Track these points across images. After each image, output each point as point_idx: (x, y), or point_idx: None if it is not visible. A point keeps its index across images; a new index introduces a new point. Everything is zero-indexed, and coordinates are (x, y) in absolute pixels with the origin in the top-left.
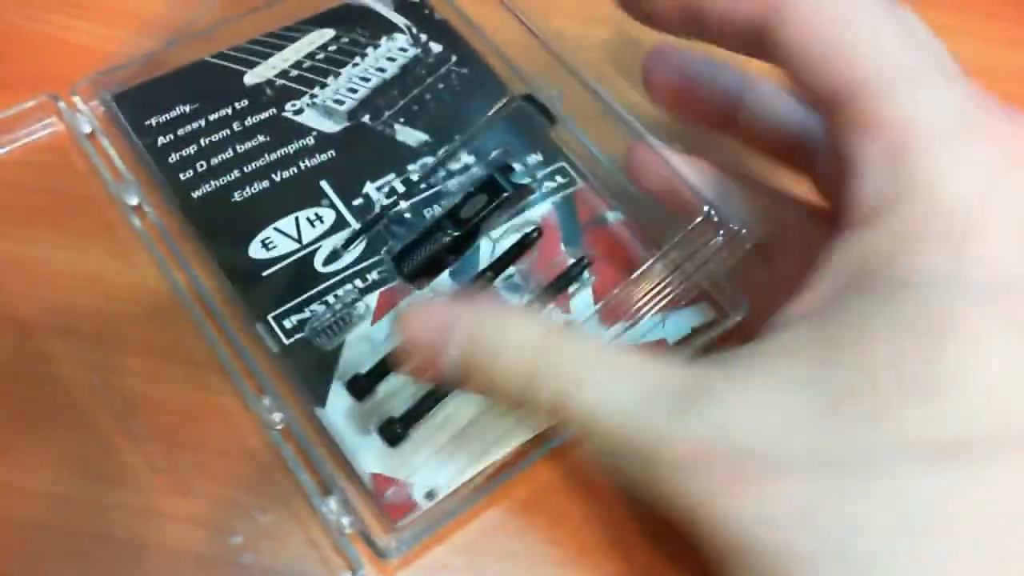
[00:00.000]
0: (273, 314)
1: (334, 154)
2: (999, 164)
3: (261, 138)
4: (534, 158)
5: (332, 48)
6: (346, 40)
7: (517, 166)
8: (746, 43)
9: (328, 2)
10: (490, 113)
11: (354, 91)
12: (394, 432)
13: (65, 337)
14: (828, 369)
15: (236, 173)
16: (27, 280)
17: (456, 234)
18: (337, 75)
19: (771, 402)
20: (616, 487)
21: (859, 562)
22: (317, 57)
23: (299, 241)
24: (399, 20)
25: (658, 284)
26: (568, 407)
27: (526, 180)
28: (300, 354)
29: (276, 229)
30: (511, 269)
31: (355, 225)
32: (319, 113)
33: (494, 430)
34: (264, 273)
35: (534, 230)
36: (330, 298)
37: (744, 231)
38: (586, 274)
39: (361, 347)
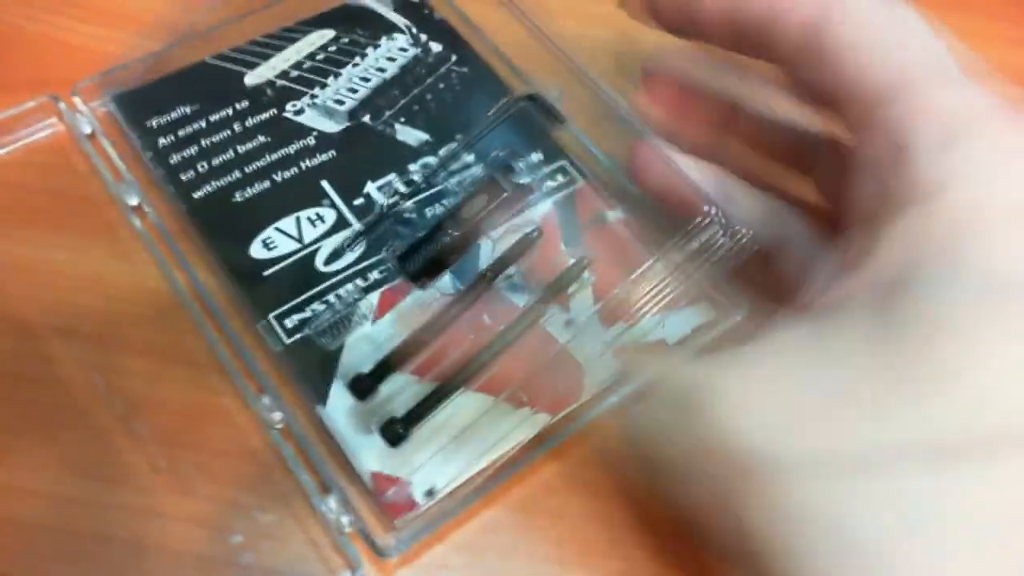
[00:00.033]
0: (274, 313)
1: (335, 154)
2: (1009, 161)
3: (262, 138)
4: (535, 157)
5: (332, 48)
6: (346, 40)
7: (518, 165)
8: (788, 50)
9: (328, 2)
10: (495, 113)
11: (354, 91)
12: (395, 432)
13: (66, 338)
14: (829, 368)
15: (237, 173)
16: (27, 281)
17: (457, 234)
18: (337, 75)
19: (773, 401)
20: (617, 485)
21: (859, 562)
22: (317, 57)
23: (300, 241)
24: (399, 20)
25: (658, 284)
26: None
27: (527, 180)
28: (301, 353)
29: (277, 229)
30: (511, 269)
31: (356, 225)
32: (320, 113)
33: (495, 430)
34: (265, 273)
35: (534, 230)
36: (331, 297)
37: (747, 232)
38: (586, 274)
39: (362, 347)
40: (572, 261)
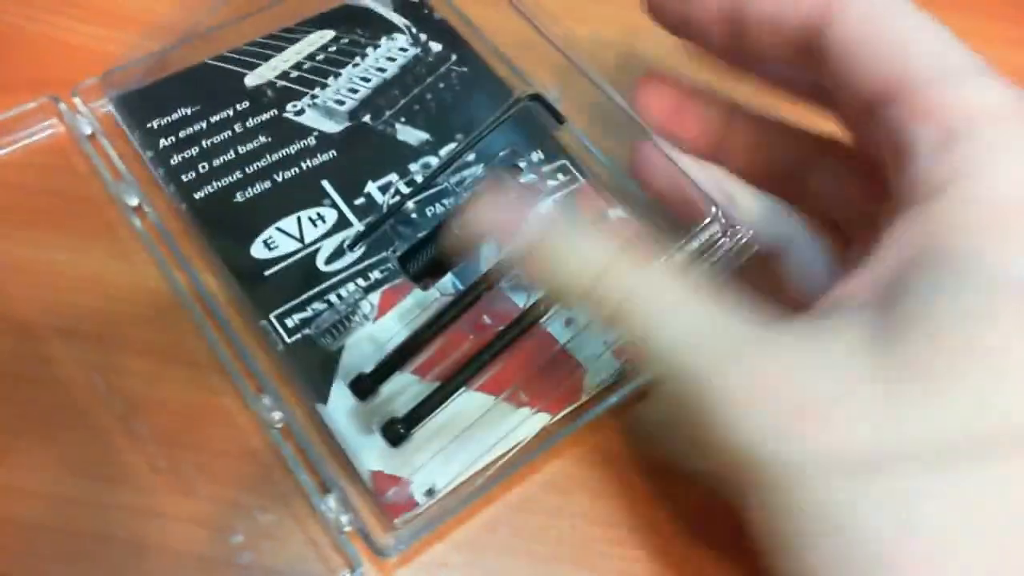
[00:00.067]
0: (275, 313)
1: (335, 154)
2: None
3: (263, 139)
4: (536, 156)
5: (332, 49)
6: (346, 40)
7: (522, 164)
8: (788, 48)
9: (328, 3)
10: (497, 113)
11: (355, 91)
12: (396, 432)
13: (66, 338)
14: (829, 369)
15: (238, 174)
16: (28, 281)
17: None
18: (337, 75)
19: (773, 401)
20: (617, 479)
21: (859, 562)
22: (317, 58)
23: (301, 241)
24: (399, 20)
25: None
26: (634, 312)
27: (532, 180)
28: (302, 353)
29: (278, 229)
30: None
31: (357, 224)
32: (320, 113)
33: (495, 430)
34: (266, 272)
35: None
36: (332, 297)
37: (747, 232)
38: None
39: (363, 346)
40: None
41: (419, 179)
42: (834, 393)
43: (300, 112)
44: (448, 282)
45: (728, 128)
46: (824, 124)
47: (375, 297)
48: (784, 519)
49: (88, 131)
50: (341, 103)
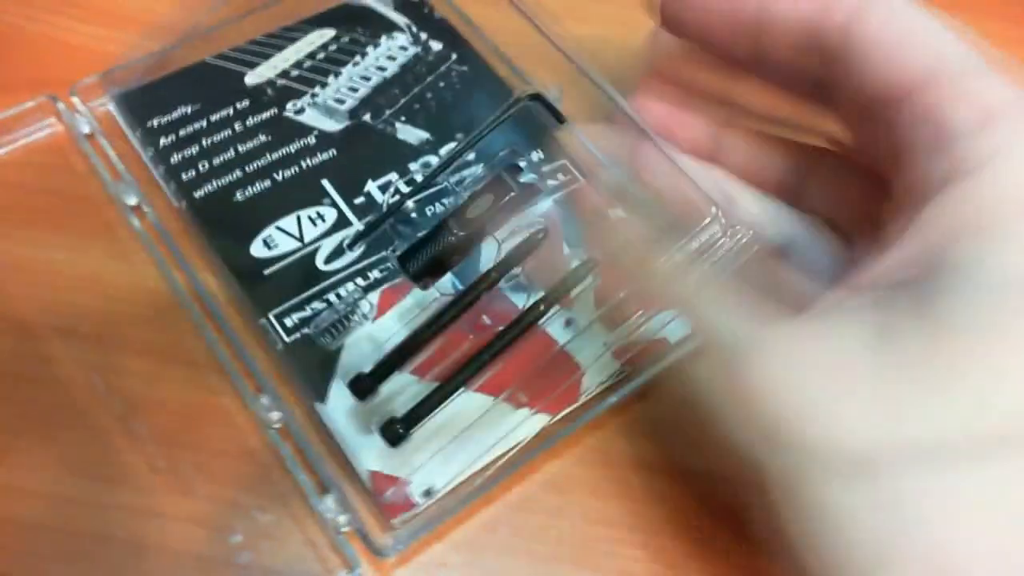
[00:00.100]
0: (274, 312)
1: (335, 153)
2: None
3: (263, 138)
4: (536, 156)
5: (332, 47)
6: (346, 39)
7: (522, 164)
8: (800, 50)
9: (328, 2)
10: (498, 113)
11: (355, 90)
12: (396, 432)
13: (65, 338)
14: (830, 368)
15: (238, 173)
16: (27, 281)
17: (462, 234)
18: (338, 74)
19: (772, 399)
20: (617, 479)
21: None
22: (318, 57)
23: (301, 240)
24: (399, 19)
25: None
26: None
27: (532, 179)
28: (301, 353)
29: (278, 228)
30: (516, 269)
31: (357, 223)
32: (320, 112)
33: (495, 430)
34: (266, 271)
35: (540, 230)
36: (331, 296)
37: (750, 233)
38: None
39: (362, 346)
40: (576, 260)
41: (419, 178)
42: (834, 392)
43: (300, 111)
44: (448, 282)
45: (728, 128)
46: (824, 124)
47: (374, 296)
48: (784, 519)
49: (87, 130)
50: (341, 102)
